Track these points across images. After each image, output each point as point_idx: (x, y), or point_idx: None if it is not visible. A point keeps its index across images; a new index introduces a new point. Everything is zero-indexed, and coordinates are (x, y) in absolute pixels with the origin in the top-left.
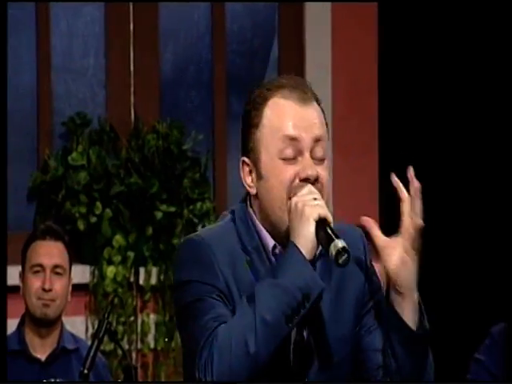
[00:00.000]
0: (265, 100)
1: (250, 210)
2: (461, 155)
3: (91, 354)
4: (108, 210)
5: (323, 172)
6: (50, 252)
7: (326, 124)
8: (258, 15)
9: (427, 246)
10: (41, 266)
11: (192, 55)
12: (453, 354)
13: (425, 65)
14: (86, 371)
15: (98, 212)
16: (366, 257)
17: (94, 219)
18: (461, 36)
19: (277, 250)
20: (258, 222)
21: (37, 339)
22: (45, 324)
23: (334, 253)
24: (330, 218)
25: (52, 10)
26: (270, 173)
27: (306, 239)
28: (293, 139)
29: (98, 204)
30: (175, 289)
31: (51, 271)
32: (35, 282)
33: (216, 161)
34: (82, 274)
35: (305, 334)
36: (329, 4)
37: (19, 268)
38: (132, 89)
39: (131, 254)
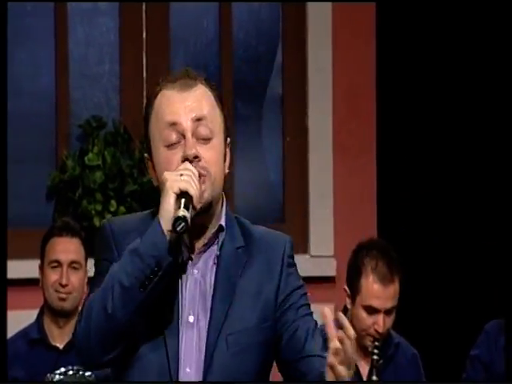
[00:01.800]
0: (155, 95)
1: None
2: (456, 156)
3: None
4: (122, 208)
5: (207, 152)
6: (66, 248)
7: (222, 105)
8: (263, 23)
9: (422, 248)
10: (58, 261)
11: (201, 61)
12: (449, 352)
13: (422, 68)
14: None
15: (112, 209)
16: (283, 263)
17: (109, 216)
18: (459, 39)
19: None
20: None
21: (55, 329)
22: (62, 315)
23: (173, 220)
24: (192, 191)
25: (69, 19)
26: (160, 164)
27: (165, 211)
28: (173, 124)
29: (113, 202)
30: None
31: (68, 266)
32: (53, 277)
33: None
34: None
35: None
36: (330, 13)
37: (39, 262)
38: (145, 93)
39: None
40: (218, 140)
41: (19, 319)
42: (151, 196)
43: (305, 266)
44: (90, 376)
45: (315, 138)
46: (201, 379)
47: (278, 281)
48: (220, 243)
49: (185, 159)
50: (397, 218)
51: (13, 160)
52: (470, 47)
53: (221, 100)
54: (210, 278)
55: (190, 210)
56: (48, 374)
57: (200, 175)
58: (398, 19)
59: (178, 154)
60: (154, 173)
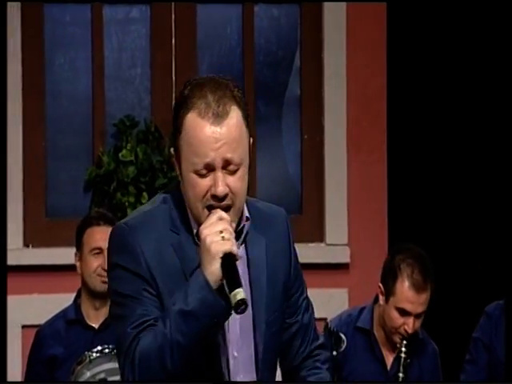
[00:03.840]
0: (187, 110)
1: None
2: (460, 152)
3: None
4: None
5: (235, 182)
6: (106, 236)
7: (247, 123)
8: (282, 30)
9: (429, 236)
10: (100, 248)
11: (225, 66)
12: (454, 334)
13: (430, 71)
14: None
15: (144, 201)
16: (289, 236)
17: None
18: (469, 40)
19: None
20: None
21: (91, 310)
22: (102, 297)
23: (233, 302)
24: (235, 251)
25: (105, 27)
26: (186, 181)
27: (212, 274)
28: (206, 160)
29: (145, 194)
30: (108, 271)
31: None
32: (95, 263)
33: None
34: None
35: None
36: (344, 21)
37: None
38: (173, 95)
39: None
40: (246, 162)
41: (57, 302)
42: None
43: (320, 253)
44: None
45: (331, 136)
46: (252, 361)
47: (289, 261)
48: (245, 232)
49: (213, 197)
50: (406, 209)
51: (53, 157)
52: (478, 48)
53: (246, 107)
54: (244, 262)
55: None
56: (86, 352)
57: (227, 208)
58: (408, 21)
59: (205, 185)
60: (177, 168)
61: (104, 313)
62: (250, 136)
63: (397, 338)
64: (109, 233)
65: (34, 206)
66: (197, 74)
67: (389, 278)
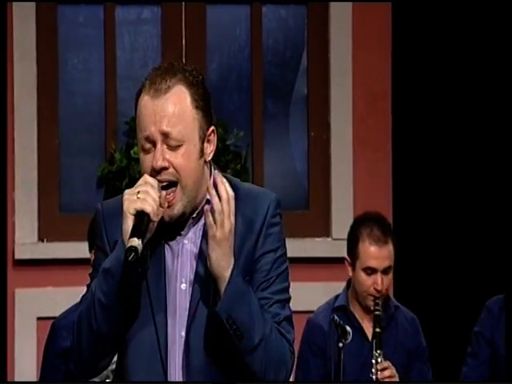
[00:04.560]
0: (140, 92)
1: None
2: (463, 150)
3: None
4: None
5: (177, 158)
6: None
7: (202, 108)
8: (290, 31)
9: (433, 230)
10: None
11: (234, 65)
12: (456, 329)
13: (434, 70)
14: None
15: None
16: (264, 221)
17: None
18: (472, 39)
19: None
20: None
21: None
22: None
23: (125, 249)
24: (148, 209)
25: (117, 28)
26: (140, 161)
27: (125, 232)
28: (146, 137)
29: None
30: None
31: None
32: None
33: (254, 154)
34: None
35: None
36: (350, 22)
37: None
38: None
39: None
40: (192, 141)
41: (71, 294)
42: None
43: (327, 247)
44: None
45: (337, 133)
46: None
47: (256, 240)
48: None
49: (152, 170)
50: (409, 204)
51: (66, 154)
52: (483, 47)
53: (201, 93)
54: (199, 246)
55: (150, 226)
56: None
57: (170, 184)
58: (413, 21)
59: (149, 161)
60: None
61: None
62: (211, 124)
63: (369, 302)
64: None
65: (49, 202)
66: (206, 74)
67: (352, 246)
